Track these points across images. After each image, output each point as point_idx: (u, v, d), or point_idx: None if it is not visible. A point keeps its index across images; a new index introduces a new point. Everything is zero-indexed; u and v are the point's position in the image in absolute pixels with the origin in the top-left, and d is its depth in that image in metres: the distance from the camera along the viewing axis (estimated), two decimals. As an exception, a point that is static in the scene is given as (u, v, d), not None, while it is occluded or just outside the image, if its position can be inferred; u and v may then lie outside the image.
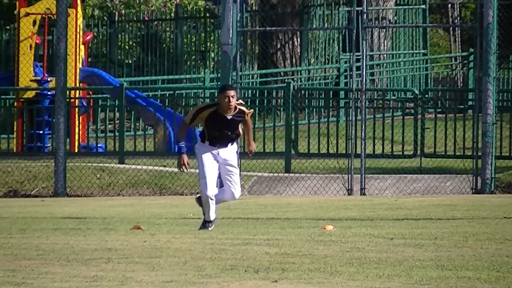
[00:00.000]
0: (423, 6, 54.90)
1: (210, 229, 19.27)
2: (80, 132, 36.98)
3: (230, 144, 18.23)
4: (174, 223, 26.19)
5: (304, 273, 15.75)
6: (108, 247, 22.06)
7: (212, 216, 18.77)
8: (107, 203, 31.34)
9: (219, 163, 18.07)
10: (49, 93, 36.17)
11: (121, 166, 35.27)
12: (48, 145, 35.56)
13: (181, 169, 18.18)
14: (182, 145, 17.85)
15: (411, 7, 54.39)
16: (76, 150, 35.39)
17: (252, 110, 18.45)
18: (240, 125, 18.35)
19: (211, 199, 18.10)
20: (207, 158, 17.74)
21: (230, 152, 18.29)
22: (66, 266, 19.70)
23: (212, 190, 18.28)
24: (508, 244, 22.08)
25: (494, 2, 33.12)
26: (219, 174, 18.41)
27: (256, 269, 18.43)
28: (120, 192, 33.22)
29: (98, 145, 37.72)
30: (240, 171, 17.23)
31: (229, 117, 17.43)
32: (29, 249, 21.83)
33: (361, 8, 39.61)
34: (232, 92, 17.29)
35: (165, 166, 35.18)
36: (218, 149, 17.89)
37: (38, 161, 35.41)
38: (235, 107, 17.60)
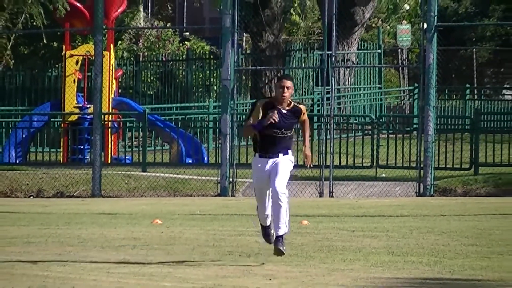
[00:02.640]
0: (379, 51, 54.80)
1: (271, 235, 15.08)
2: (112, 147, 36.77)
3: (282, 154, 14.19)
4: (185, 218, 26.14)
5: (285, 257, 15.81)
6: (133, 236, 22.08)
7: (268, 221, 14.79)
8: (133, 202, 31.22)
9: (269, 173, 14.24)
10: (88, 117, 35.96)
11: (144, 173, 35.11)
12: (87, 157, 35.35)
13: (271, 120, 13.92)
14: (252, 124, 14.19)
15: (369, 51, 54.22)
16: (109, 161, 35.19)
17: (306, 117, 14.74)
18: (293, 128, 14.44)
19: (265, 215, 14.92)
20: (259, 178, 14.45)
21: (280, 162, 14.24)
22: (100, 251, 19.71)
23: (264, 206, 14.75)
24: (444, 235, 22.09)
25: (434, 48, 33.08)
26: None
27: (248, 254, 18.44)
28: (143, 194, 33.06)
29: (126, 157, 37.54)
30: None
31: (283, 111, 13.95)
32: (72, 238, 21.83)
33: (330, 52, 39.48)
34: (288, 83, 13.89)
35: (178, 174, 35.02)
36: (270, 160, 14.16)
37: (79, 169, 35.21)
38: (291, 103, 14.09)
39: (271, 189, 14.25)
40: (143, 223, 24.53)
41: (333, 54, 40.24)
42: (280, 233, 14.43)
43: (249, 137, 15.08)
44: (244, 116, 37.48)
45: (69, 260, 18.50)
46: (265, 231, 15.05)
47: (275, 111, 13.84)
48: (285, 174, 14.20)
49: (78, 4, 36.27)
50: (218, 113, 36.39)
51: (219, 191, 32.96)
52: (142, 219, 25.49)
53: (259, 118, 13.95)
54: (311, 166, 14.81)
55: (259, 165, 14.37)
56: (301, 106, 14.30)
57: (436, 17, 33.52)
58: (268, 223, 14.92)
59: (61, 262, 18.18)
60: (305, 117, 14.27)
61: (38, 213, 27.89)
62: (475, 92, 53.88)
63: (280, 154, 14.20)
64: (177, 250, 19.58)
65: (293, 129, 14.44)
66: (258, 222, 15.39)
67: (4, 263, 18.20)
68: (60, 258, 18.60)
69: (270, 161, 14.29)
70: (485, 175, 33.82)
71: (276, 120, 13.83)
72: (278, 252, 14.64)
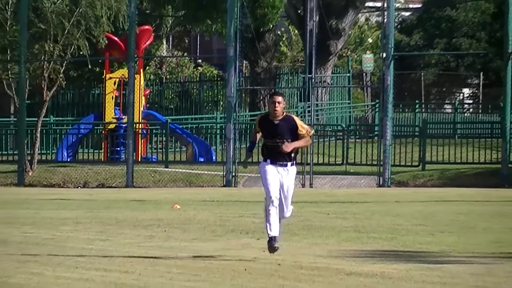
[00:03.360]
0: (348, 74, 54.66)
1: (276, 246, 13.52)
2: (142, 148, 36.72)
3: (289, 164, 13.15)
4: (198, 204, 26.12)
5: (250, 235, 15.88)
6: (158, 218, 22.05)
7: (275, 232, 13.40)
8: (157, 191, 31.12)
9: (280, 177, 13.25)
10: (123, 125, 35.90)
11: (166, 169, 34.97)
12: (122, 156, 35.28)
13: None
14: (250, 146, 14.13)
15: (340, 75, 54.07)
16: (139, 160, 35.13)
17: (313, 131, 14.65)
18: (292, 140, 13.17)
19: (273, 205, 13.36)
20: (270, 169, 13.26)
21: (289, 178, 13.25)
22: (133, 229, 19.71)
23: (275, 192, 13.29)
24: (398, 217, 22.05)
25: (391, 72, 32.98)
26: None
27: (247, 232, 18.49)
28: (165, 185, 32.94)
29: (152, 156, 37.49)
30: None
31: (275, 122, 13.02)
32: (111, 219, 21.81)
33: (311, 75, 39.50)
34: (278, 98, 13.08)
35: (192, 170, 34.92)
36: (278, 167, 13.13)
37: (116, 166, 35.08)
38: (283, 113, 13.16)
39: (280, 208, 13.44)
40: (165, 208, 24.49)
41: (313, 77, 40.30)
42: (275, 234, 13.59)
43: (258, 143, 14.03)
44: (243, 125, 37.51)
45: (108, 236, 18.56)
46: (271, 243, 13.51)
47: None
48: (292, 188, 13.59)
49: (115, 38, 36.20)
50: (223, 123, 36.23)
51: (224, 183, 32.89)
52: (165, 204, 25.47)
53: (258, 130, 13.52)
54: (284, 148, 13.15)
55: (271, 169, 13.30)
56: (295, 117, 13.45)
57: (392, 48, 33.47)
58: (274, 234, 13.51)
59: (102, 238, 18.24)
60: (302, 132, 13.22)
61: (84, 200, 27.89)
62: (423, 106, 53.71)
63: (289, 164, 13.28)
64: (191, 229, 19.67)
65: (289, 138, 13.18)
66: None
67: (59, 238, 18.27)
68: (101, 235, 18.65)
69: (281, 169, 13.34)
70: (431, 170, 33.76)
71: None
72: (271, 250, 13.60)
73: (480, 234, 18.48)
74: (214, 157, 36.83)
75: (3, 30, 34.88)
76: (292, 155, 13.34)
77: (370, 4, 56.60)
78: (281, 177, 13.31)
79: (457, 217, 22.08)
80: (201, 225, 20.34)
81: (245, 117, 43.34)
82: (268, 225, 13.42)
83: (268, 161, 13.25)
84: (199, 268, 14.06)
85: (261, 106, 46.11)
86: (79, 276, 13.40)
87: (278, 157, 13.25)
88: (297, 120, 13.37)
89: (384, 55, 34.21)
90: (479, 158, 34.36)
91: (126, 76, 35.54)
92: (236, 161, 33.10)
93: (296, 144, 13.27)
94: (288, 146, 13.11)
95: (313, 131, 13.86)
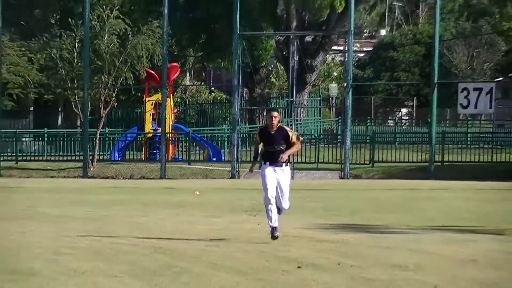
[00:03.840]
0: (319, 98, 54.80)
1: (276, 234, 12.65)
2: (171, 151, 36.65)
3: (284, 164, 12.56)
4: (212, 191, 26.13)
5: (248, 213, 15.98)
6: (182, 200, 22.05)
7: (275, 223, 12.62)
8: (183, 182, 31.01)
9: (276, 177, 12.54)
10: (158, 134, 35.89)
11: (189, 166, 34.91)
12: (157, 157, 35.25)
13: (250, 170, 13.56)
14: (255, 155, 13.08)
15: (314, 98, 54.05)
16: (169, 159, 35.04)
17: (302, 139, 13.55)
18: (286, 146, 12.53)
19: (271, 203, 12.67)
20: (268, 173, 12.54)
21: (285, 176, 12.57)
22: (165, 209, 19.70)
23: (272, 192, 12.61)
24: (355, 200, 21.99)
25: (350, 97, 32.96)
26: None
27: (246, 210, 18.51)
28: (188, 177, 32.85)
29: (179, 157, 37.45)
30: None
31: (272, 132, 12.47)
32: (150, 201, 21.79)
33: (292, 99, 39.58)
34: (274, 113, 12.60)
35: (207, 166, 34.84)
36: (275, 167, 12.48)
37: (153, 163, 34.99)
38: (278, 125, 12.60)
39: (278, 203, 12.67)
40: (188, 194, 24.47)
41: (294, 100, 40.40)
42: (276, 225, 12.74)
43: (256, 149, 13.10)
44: (244, 134, 37.50)
45: (148, 213, 18.59)
46: (273, 233, 12.62)
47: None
48: (288, 192, 12.78)
49: (152, 72, 36.19)
50: (230, 133, 36.24)
51: (230, 176, 32.78)
52: (188, 191, 25.46)
53: (258, 140, 12.79)
54: (283, 160, 12.48)
55: (269, 170, 12.59)
56: (286, 128, 12.82)
57: (351, 79, 33.43)
58: (275, 224, 12.63)
59: (144, 215, 18.27)
60: (293, 140, 12.60)
61: (130, 188, 27.91)
62: (372, 121, 53.65)
63: (283, 165, 12.59)
64: (207, 209, 19.66)
65: (285, 145, 12.56)
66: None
67: (112, 215, 18.32)
68: (142, 213, 18.71)
69: (277, 169, 12.58)
70: (378, 167, 33.74)
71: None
72: (273, 238, 12.66)
73: (413, 213, 18.53)
74: (223, 157, 36.74)
75: (72, 66, 34.93)
76: (286, 160, 12.73)
77: (335, 48, 56.45)
78: (277, 176, 12.61)
79: (397, 201, 22.13)
80: (214, 205, 20.37)
81: (245, 129, 43.31)
82: (268, 219, 12.65)
83: (267, 163, 12.58)
84: (213, 237, 14.15)
85: (257, 121, 46.12)
86: (127, 241, 13.49)
87: (275, 160, 12.54)
88: (289, 131, 12.73)
89: (345, 84, 34.13)
90: (412, 158, 34.35)
91: (160, 99, 35.62)
92: (239, 160, 33.11)
93: (289, 151, 12.71)
94: (284, 156, 12.52)
95: (302, 138, 13.23)
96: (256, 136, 12.87)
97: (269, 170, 12.55)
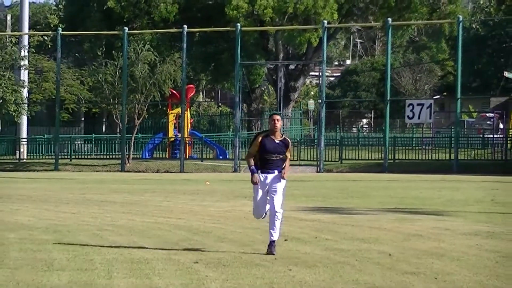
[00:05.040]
0: (300, 111, 54.79)
1: (271, 250, 9.41)
2: (188, 151, 36.46)
3: (277, 171, 9.56)
4: (219, 181, 26.03)
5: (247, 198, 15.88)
6: (197, 189, 21.91)
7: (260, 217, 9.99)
8: (197, 175, 30.86)
9: (267, 186, 9.55)
10: (178, 139, 35.73)
11: (202, 162, 34.66)
12: (178, 155, 35.06)
13: (254, 183, 9.56)
14: (253, 168, 9.56)
15: (296, 111, 53.95)
16: (187, 157, 34.83)
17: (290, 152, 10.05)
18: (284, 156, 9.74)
19: (257, 218, 10.02)
20: (258, 191, 9.61)
21: (275, 179, 9.51)
22: (183, 195, 19.60)
23: (259, 213, 9.81)
24: (328, 189, 21.85)
25: (323, 110, 32.95)
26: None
27: (245, 196, 18.30)
28: (201, 171, 32.70)
29: (194, 155, 37.29)
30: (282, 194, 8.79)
31: (277, 141, 9.54)
32: (171, 190, 21.63)
33: (280, 112, 39.55)
34: (277, 117, 9.81)
35: (215, 163, 34.70)
36: (267, 175, 9.51)
37: (174, 160, 34.85)
38: (282, 136, 9.74)
39: (270, 207, 9.56)
40: (201, 183, 24.41)
41: (281, 113, 40.33)
42: (274, 238, 9.44)
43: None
44: (243, 139, 37.25)
45: (170, 199, 18.51)
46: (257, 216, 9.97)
47: (256, 180, 9.53)
48: (282, 196, 9.61)
49: (174, 91, 36.01)
50: (232, 137, 36.15)
51: (233, 170, 32.64)
52: (201, 181, 25.38)
53: (257, 146, 9.55)
54: (285, 178, 9.56)
55: (261, 178, 9.52)
56: (288, 140, 9.83)
57: (324, 97, 33.43)
58: (258, 219, 10.05)
59: (167, 200, 18.23)
60: (288, 154, 9.77)
61: (156, 179, 27.83)
62: (341, 129, 53.60)
63: (276, 171, 9.56)
64: (216, 195, 19.53)
65: (284, 154, 9.69)
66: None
67: (142, 200, 18.22)
68: (165, 198, 18.58)
69: (270, 176, 9.51)
70: (345, 164, 33.67)
71: (257, 182, 9.54)
72: (269, 253, 9.33)
73: (372, 198, 18.42)
74: (227, 156, 36.63)
75: (113, 87, 34.80)
76: (279, 167, 9.60)
77: (312, 73, 56.44)
78: (268, 183, 9.57)
79: (360, 189, 22.03)
80: (220, 193, 20.27)
81: (244, 134, 43.09)
82: (256, 216, 9.94)
83: (259, 171, 9.60)
84: (220, 217, 14.06)
85: (253, 128, 46.05)
86: (154, 220, 13.42)
87: (268, 168, 9.55)
88: (289, 144, 9.87)
89: (320, 101, 34.06)
90: (371, 157, 34.34)
91: (180, 112, 35.52)
92: (240, 158, 32.85)
93: (287, 168, 9.75)
94: (286, 174, 9.66)
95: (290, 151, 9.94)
96: (256, 142, 9.67)
97: (261, 183, 9.57)
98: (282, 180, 9.54)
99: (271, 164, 9.53)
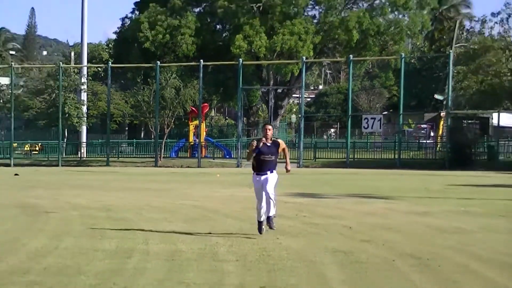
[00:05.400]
0: (286, 123, 54.55)
1: (262, 228, 8.83)
2: (204, 152, 36.17)
3: (269, 172, 8.77)
4: (227, 174, 25.85)
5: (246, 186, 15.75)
6: (210, 179, 21.74)
7: (262, 218, 8.80)
8: (210, 169, 30.59)
9: (262, 184, 8.71)
10: (196, 143, 35.51)
11: (213, 160, 34.45)
12: (196, 155, 34.91)
13: (255, 146, 8.70)
14: (254, 154, 8.75)
15: (283, 123, 53.75)
16: (203, 156, 34.50)
17: (285, 146, 9.19)
18: (276, 155, 8.96)
19: (260, 208, 8.70)
20: (257, 187, 8.76)
21: (269, 177, 8.73)
22: (199, 184, 19.39)
23: (261, 201, 8.73)
24: (306, 180, 21.64)
25: (302, 123, 32.87)
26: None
27: (246, 185, 18.16)
28: (212, 167, 32.52)
29: (208, 155, 36.99)
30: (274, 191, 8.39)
31: (268, 144, 8.67)
32: (193, 180, 21.48)
33: (271, 124, 39.24)
34: (269, 126, 8.92)
35: (223, 160, 34.53)
36: (262, 176, 8.70)
37: (194, 159, 34.52)
38: (272, 139, 8.82)
39: (265, 193, 8.69)
40: (213, 176, 24.24)
41: (272, 124, 40.03)
42: (271, 214, 8.66)
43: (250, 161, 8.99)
44: (244, 143, 37.16)
45: (191, 187, 18.31)
46: (259, 226, 8.79)
47: (255, 143, 8.75)
48: (273, 183, 8.71)
49: (193, 108, 35.81)
50: (236, 142, 36.00)
51: (236, 166, 32.45)
52: (213, 175, 25.21)
53: (253, 147, 8.71)
54: (289, 170, 9.19)
55: (257, 179, 8.70)
56: (279, 140, 8.97)
57: (303, 113, 33.42)
58: (261, 219, 8.78)
59: (188, 187, 18.10)
60: (283, 146, 8.98)
61: (180, 173, 27.61)
62: (315, 136, 53.37)
63: (268, 172, 8.67)
64: (224, 184, 19.37)
65: (275, 156, 8.83)
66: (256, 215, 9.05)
67: (182, 188, 18.08)
68: (190, 186, 18.47)
69: (263, 177, 8.66)
70: (318, 161, 33.54)
71: (254, 146, 8.68)
72: (270, 228, 8.72)
73: (338, 187, 18.16)
74: (232, 156, 36.43)
75: (149, 105, 34.60)
76: (271, 168, 8.80)
77: (294, 95, 56.26)
78: (264, 180, 8.70)
79: (329, 180, 21.93)
80: (227, 182, 20.17)
81: (244, 140, 42.89)
82: (257, 215, 8.86)
83: (255, 173, 8.78)
84: (226, 199, 14.00)
85: (252, 135, 45.89)
86: (179, 202, 13.34)
87: (264, 168, 8.69)
88: (280, 142, 8.93)
89: (300, 116, 34.03)
90: (337, 156, 34.17)
91: (197, 124, 35.33)
92: (241, 157, 32.69)
93: (288, 160, 9.17)
94: (288, 167, 9.17)
95: (285, 146, 9.19)
96: (252, 146, 8.75)
97: (257, 182, 8.75)
98: (273, 176, 8.73)
99: (265, 166, 8.68)
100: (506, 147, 32.13)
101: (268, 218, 8.74)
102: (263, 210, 8.73)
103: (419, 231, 9.07)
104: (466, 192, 15.79)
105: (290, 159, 9.60)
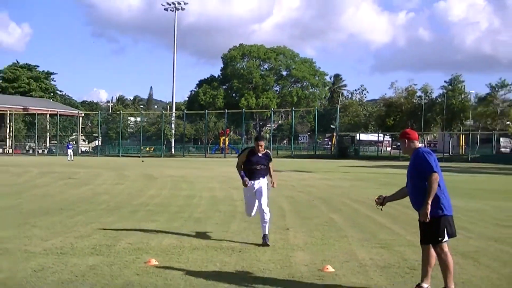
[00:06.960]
0: (274, 130, 49.29)
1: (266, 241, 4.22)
2: (226, 151, 32.93)
3: (261, 178, 4.44)
4: (234, 172, 22.74)
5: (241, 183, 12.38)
6: (228, 165, 16.65)
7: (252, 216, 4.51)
8: (230, 159, 26.05)
9: (255, 190, 4.46)
10: (223, 147, 32.92)
11: (226, 159, 31.36)
12: (223, 153, 31.78)
13: (245, 185, 4.45)
14: (242, 174, 4.52)
15: (277, 133, 50.04)
16: (226, 153, 31.53)
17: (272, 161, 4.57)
18: (267, 166, 4.47)
19: (249, 216, 4.70)
20: (247, 195, 4.57)
21: (262, 183, 4.45)
22: (224, 167, 15.42)
23: (249, 212, 4.60)
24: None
25: (271, 139, 30.01)
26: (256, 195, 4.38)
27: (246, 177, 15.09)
28: (226, 162, 29.18)
29: (230, 152, 33.66)
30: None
31: (260, 155, 4.45)
32: (220, 164, 15.90)
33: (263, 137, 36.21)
34: (261, 143, 4.45)
35: (236, 156, 30.99)
36: (254, 181, 4.46)
37: (221, 154, 31.92)
38: (264, 150, 4.51)
39: (259, 206, 4.55)
40: (231, 162, 19.91)
41: (264, 140, 36.69)
42: (266, 232, 4.46)
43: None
44: (244, 147, 33.87)
45: (220, 166, 14.98)
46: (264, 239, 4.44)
47: (246, 182, 4.54)
48: (267, 196, 4.55)
49: (222, 131, 34.37)
50: (241, 146, 33.03)
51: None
52: (231, 162, 21.10)
53: (244, 159, 4.59)
54: (275, 186, 4.53)
55: (249, 192, 4.60)
56: (269, 152, 4.70)
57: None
58: (249, 217, 4.87)
59: (217, 167, 14.64)
60: (271, 164, 4.62)
61: (215, 161, 23.06)
62: (277, 144, 48.79)
63: (261, 178, 4.53)
64: (232, 176, 16.09)
65: (266, 166, 4.58)
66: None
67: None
68: (218, 166, 14.90)
69: (256, 182, 4.52)
70: (278, 156, 30.35)
71: (247, 185, 4.53)
72: (264, 245, 4.37)
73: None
74: (239, 152, 33.25)
75: (202, 130, 33.63)
76: (263, 175, 4.59)
77: (267, 126, 52.00)
78: (255, 188, 4.59)
79: (282, 163, 16.84)
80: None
81: (245, 145, 40.01)
82: (246, 212, 4.79)
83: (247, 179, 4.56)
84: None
85: (247, 143, 42.91)
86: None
87: (256, 176, 4.53)
88: (271, 155, 4.67)
89: (271, 135, 31.24)
90: (287, 153, 31.47)
91: (224, 138, 33.42)
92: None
93: (274, 177, 4.61)
94: (275, 183, 4.59)
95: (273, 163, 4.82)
96: (244, 155, 4.66)
97: (248, 190, 4.63)
98: (265, 185, 4.62)
99: (256, 174, 4.61)
100: (362, 149, 35.48)
101: (264, 236, 4.49)
102: (252, 213, 4.71)
103: (323, 187, 9.62)
104: (345, 168, 16.21)
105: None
